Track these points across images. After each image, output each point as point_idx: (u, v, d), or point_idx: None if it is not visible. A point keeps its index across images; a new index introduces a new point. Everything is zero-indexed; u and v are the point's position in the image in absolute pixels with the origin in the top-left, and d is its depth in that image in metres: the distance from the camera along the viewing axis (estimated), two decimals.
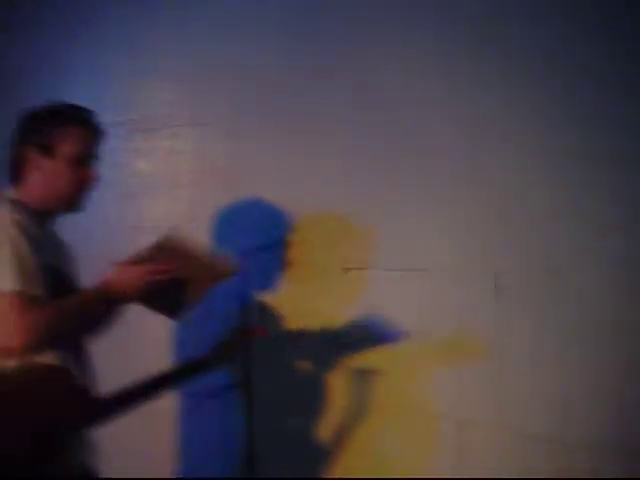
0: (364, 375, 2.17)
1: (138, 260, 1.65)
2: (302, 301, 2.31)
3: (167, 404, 2.30)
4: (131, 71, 2.64)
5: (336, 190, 2.26)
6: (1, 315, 1.51)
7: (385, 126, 2.21)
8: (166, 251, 1.67)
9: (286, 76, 2.35)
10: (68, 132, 1.69)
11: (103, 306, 1.66)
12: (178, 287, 1.69)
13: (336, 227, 2.27)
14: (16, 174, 1.70)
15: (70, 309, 1.61)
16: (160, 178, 2.60)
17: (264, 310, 2.31)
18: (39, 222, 1.68)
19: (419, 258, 2.16)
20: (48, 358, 1.57)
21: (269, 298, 2.33)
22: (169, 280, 1.66)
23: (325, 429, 2.23)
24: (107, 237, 2.55)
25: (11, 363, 1.53)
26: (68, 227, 1.79)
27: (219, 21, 2.49)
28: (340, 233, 2.27)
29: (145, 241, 1.69)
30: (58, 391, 1.55)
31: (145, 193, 2.61)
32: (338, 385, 2.23)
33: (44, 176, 1.68)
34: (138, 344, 2.47)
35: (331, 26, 2.31)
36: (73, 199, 1.72)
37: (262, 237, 2.38)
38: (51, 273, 1.63)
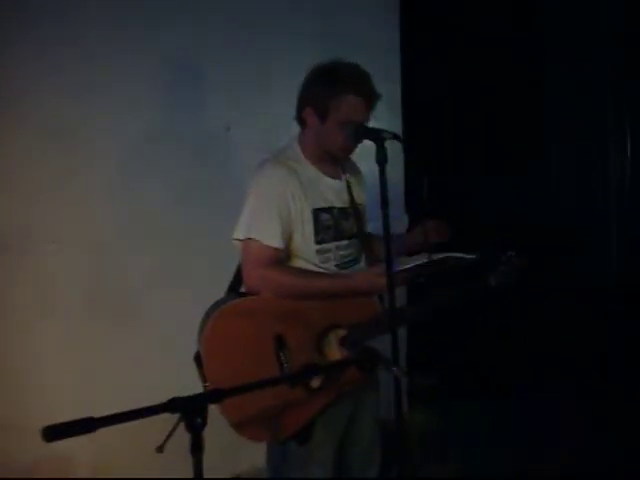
0: None
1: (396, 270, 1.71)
2: None
3: None
4: None
5: None
6: (245, 259, 1.77)
7: None
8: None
9: None
10: (342, 100, 1.81)
11: (341, 294, 1.78)
12: None
13: None
14: (300, 127, 1.94)
15: (310, 286, 1.76)
16: None
17: None
18: (322, 169, 1.86)
19: None
20: None
21: None
22: None
23: None
24: None
25: None
26: None
27: None
28: None
29: None
30: None
31: None
32: None
33: (316, 135, 1.86)
34: None
35: None
36: (342, 156, 1.87)
37: None
38: (330, 213, 1.83)
